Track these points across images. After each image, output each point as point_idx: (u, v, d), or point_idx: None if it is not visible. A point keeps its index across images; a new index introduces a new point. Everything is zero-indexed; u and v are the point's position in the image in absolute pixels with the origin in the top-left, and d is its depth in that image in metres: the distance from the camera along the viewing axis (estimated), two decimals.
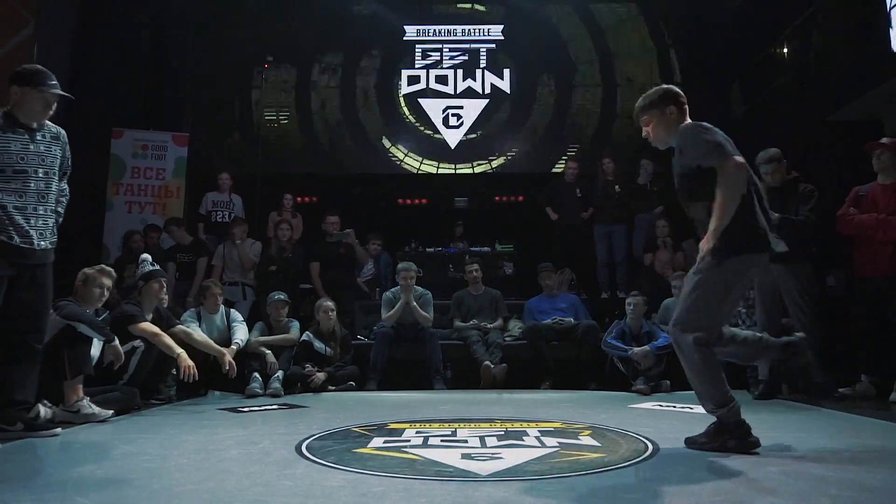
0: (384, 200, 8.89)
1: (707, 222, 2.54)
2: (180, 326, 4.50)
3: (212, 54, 8.94)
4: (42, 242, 2.99)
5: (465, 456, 2.46)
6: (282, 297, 5.24)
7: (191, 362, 4.02)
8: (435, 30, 9.38)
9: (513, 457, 2.44)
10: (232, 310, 5.21)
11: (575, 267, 6.78)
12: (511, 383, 5.22)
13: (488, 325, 5.75)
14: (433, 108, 9.21)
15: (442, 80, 9.28)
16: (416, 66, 9.31)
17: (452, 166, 9.19)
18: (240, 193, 7.17)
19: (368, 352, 5.41)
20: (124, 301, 4.48)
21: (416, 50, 9.34)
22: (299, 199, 7.83)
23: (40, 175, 2.98)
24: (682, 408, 3.96)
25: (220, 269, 6.21)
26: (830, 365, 4.22)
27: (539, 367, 5.37)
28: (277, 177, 8.17)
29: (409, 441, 2.81)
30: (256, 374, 4.80)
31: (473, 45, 9.31)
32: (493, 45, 9.31)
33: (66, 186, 3.24)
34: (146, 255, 4.59)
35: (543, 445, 2.67)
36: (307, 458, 2.46)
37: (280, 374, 4.85)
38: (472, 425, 3.23)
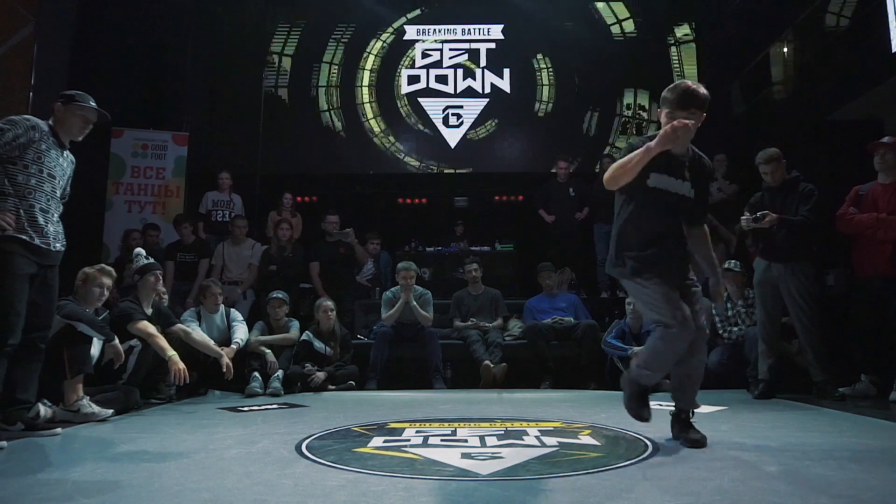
0: (384, 200, 8.88)
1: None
2: (179, 325, 4.50)
3: (212, 54, 8.95)
4: (57, 244, 3.09)
5: (464, 455, 2.46)
6: (280, 295, 5.25)
7: (182, 365, 3.98)
8: (435, 29, 9.39)
9: (513, 456, 2.44)
10: (232, 309, 5.21)
11: (575, 267, 6.78)
12: (511, 383, 5.23)
13: (488, 325, 5.76)
14: (433, 108, 9.22)
15: (442, 79, 9.28)
16: (417, 65, 9.32)
17: (452, 167, 9.19)
18: (240, 193, 7.17)
19: (368, 351, 5.42)
20: (122, 298, 4.48)
21: (416, 50, 9.35)
22: (299, 198, 7.84)
23: (58, 187, 3.15)
24: None
25: (219, 269, 6.21)
26: (830, 365, 4.22)
27: (539, 367, 5.37)
28: (277, 176, 8.17)
29: (408, 440, 2.81)
30: (256, 374, 4.81)
31: (473, 45, 9.32)
32: (493, 45, 9.31)
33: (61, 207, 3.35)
34: (139, 250, 4.58)
35: (543, 445, 2.67)
36: (307, 458, 2.46)
37: (280, 373, 4.86)
38: (472, 425, 3.24)
